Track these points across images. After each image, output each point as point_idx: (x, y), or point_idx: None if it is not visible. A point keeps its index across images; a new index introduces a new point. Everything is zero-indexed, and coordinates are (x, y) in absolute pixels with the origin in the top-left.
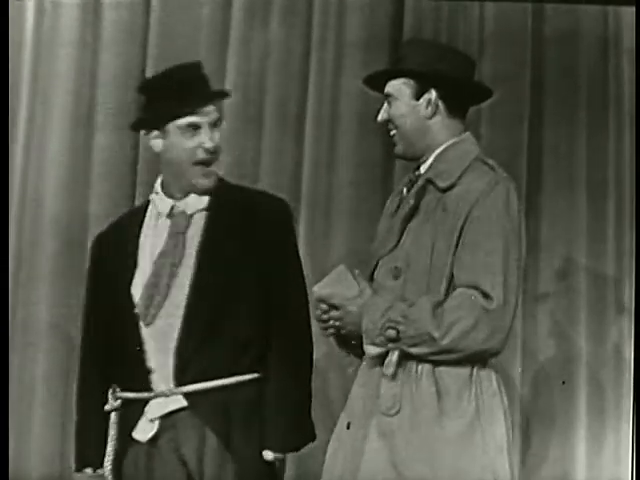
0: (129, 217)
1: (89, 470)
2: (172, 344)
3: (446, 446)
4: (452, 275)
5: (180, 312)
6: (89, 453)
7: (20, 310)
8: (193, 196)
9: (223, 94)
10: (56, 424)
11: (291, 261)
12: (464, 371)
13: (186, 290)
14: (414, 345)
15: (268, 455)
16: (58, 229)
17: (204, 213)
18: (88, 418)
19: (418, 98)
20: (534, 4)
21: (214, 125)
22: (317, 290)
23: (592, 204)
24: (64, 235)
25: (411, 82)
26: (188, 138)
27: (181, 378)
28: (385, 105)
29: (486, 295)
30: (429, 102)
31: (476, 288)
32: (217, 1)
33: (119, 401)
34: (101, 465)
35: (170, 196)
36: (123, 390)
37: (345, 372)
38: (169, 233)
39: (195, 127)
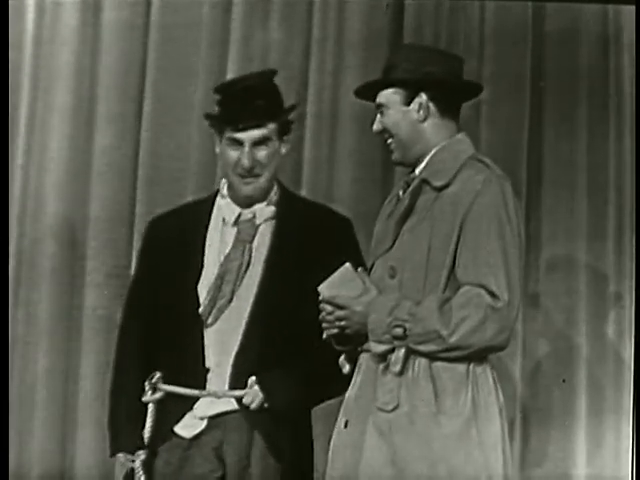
0: (193, 213)
1: (122, 455)
2: (233, 347)
3: (443, 444)
4: (450, 273)
5: (243, 317)
6: (123, 439)
7: (21, 309)
8: (260, 205)
9: (275, 115)
10: (56, 423)
11: None
12: (461, 367)
13: (251, 297)
14: (421, 343)
15: None
16: (58, 228)
17: (270, 223)
18: (125, 406)
19: (409, 103)
20: (534, 3)
21: (258, 143)
22: (322, 291)
23: (592, 203)
24: (64, 234)
25: (400, 90)
26: (233, 150)
27: (237, 381)
28: (378, 115)
29: (492, 294)
30: (420, 106)
31: (481, 286)
32: (217, 1)
33: (161, 393)
34: (134, 451)
35: (236, 202)
36: (169, 383)
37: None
38: (235, 240)
39: (238, 142)
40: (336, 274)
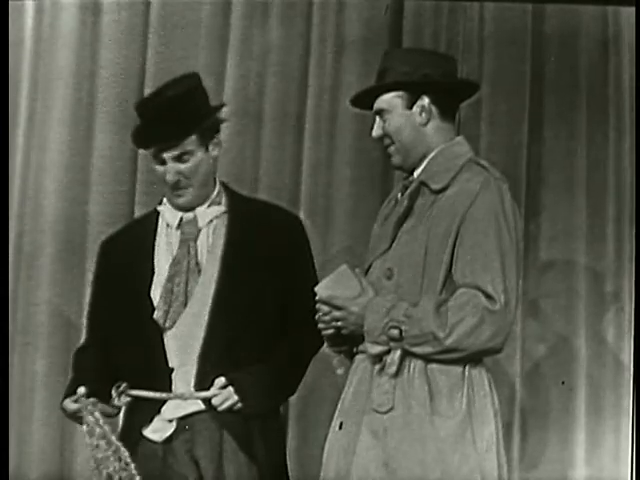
0: (139, 226)
1: (82, 390)
2: (196, 348)
3: (437, 446)
4: (447, 275)
5: (203, 317)
6: (86, 376)
7: (20, 310)
8: (201, 207)
9: (190, 131)
10: (56, 424)
11: (307, 277)
12: (456, 369)
13: (209, 297)
14: (417, 344)
15: None
16: (58, 229)
17: (217, 221)
18: None
19: (411, 107)
20: (534, 4)
21: (178, 159)
22: (319, 291)
23: (592, 204)
24: (64, 235)
25: (401, 93)
26: (158, 165)
27: (202, 383)
28: (377, 121)
29: (488, 296)
30: (422, 109)
31: (478, 289)
32: (217, 1)
33: (127, 399)
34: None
35: (177, 208)
36: (134, 388)
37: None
38: (180, 242)
39: (159, 159)
40: (333, 274)
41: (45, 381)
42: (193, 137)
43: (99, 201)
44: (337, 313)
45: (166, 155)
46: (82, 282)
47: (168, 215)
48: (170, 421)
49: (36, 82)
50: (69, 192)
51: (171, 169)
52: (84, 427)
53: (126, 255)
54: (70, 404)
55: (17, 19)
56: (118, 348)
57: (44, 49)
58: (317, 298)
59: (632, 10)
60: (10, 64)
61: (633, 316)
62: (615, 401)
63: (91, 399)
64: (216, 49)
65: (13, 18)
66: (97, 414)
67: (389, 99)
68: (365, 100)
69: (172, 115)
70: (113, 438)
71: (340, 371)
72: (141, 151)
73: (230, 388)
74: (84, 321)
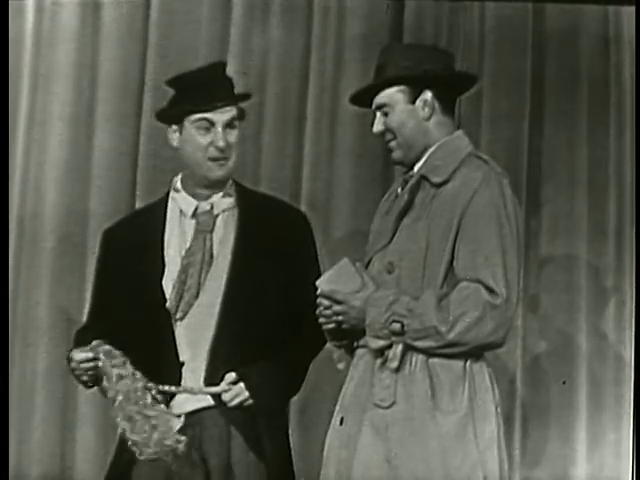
0: (145, 214)
1: (97, 341)
2: (206, 341)
3: (439, 442)
4: (448, 269)
5: (214, 311)
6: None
7: (20, 310)
8: (217, 197)
9: (243, 97)
10: (56, 424)
11: (312, 272)
12: (458, 364)
13: (220, 290)
14: (419, 339)
15: None
16: (58, 228)
17: (228, 213)
18: None
19: (413, 101)
20: (534, 4)
21: (229, 124)
22: (320, 285)
23: (593, 202)
24: (64, 234)
25: (403, 87)
26: (202, 135)
27: (212, 376)
28: (379, 116)
29: (490, 290)
30: (425, 103)
31: (479, 282)
32: (217, 1)
33: None
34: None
35: (192, 195)
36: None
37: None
38: (195, 232)
39: (209, 124)
40: (334, 268)
41: (45, 381)
42: (235, 109)
43: (99, 199)
44: (338, 307)
45: (218, 117)
46: (83, 279)
47: (183, 202)
48: (178, 416)
49: (36, 80)
50: (69, 190)
51: (222, 134)
52: (100, 363)
53: (133, 243)
54: (79, 353)
55: (17, 18)
56: (125, 338)
57: (44, 47)
58: (318, 292)
59: (632, 10)
60: (10, 62)
61: (634, 311)
62: (616, 397)
63: (106, 347)
64: (216, 47)
65: (13, 17)
66: (117, 360)
67: (391, 94)
68: (365, 97)
69: (220, 79)
70: (138, 375)
71: (341, 366)
72: (142, 149)
73: (241, 384)
74: (85, 315)
